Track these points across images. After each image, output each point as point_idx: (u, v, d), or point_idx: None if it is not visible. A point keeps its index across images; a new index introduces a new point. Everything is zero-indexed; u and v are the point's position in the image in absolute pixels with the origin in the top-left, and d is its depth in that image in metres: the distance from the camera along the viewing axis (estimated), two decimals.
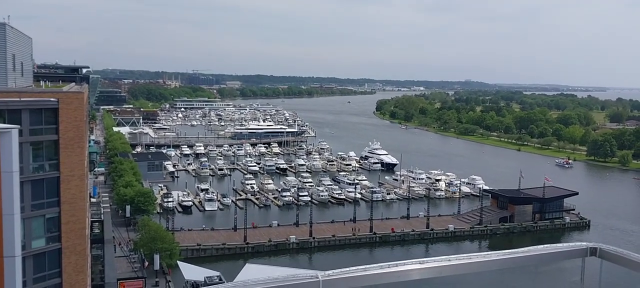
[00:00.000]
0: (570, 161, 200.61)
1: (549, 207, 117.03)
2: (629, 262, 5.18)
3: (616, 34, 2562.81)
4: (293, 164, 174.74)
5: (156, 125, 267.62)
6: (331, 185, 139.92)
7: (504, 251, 5.82)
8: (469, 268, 5.09)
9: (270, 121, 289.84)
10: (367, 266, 4.68)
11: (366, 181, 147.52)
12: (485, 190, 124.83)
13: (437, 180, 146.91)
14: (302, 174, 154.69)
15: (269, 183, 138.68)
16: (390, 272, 4.67)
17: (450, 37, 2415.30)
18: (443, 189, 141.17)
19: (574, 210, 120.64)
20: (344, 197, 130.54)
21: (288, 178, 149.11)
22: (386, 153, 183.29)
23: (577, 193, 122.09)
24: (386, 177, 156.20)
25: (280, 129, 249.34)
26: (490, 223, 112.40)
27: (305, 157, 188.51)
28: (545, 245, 5.59)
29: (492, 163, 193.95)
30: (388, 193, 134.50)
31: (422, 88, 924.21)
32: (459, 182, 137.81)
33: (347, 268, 4.73)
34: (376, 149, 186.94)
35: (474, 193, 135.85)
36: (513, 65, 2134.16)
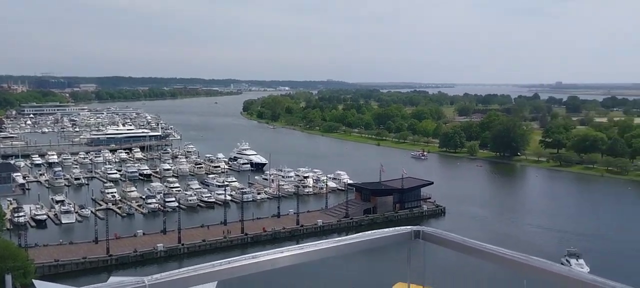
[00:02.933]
0: (425, 153, 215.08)
1: (408, 196, 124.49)
2: (446, 241, 5.85)
3: (464, 33, 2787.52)
4: (158, 169, 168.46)
5: (1, 133, 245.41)
6: (200, 188, 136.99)
7: (335, 238, 6.21)
8: (299, 258, 5.32)
9: (130, 125, 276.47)
10: (197, 266, 4.68)
11: (236, 182, 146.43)
12: (349, 184, 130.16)
13: (305, 177, 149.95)
14: (168, 179, 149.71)
15: (132, 191, 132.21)
16: (221, 269, 4.72)
17: (314, 38, 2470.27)
18: (311, 186, 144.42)
19: (430, 198, 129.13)
20: (214, 199, 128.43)
21: (153, 184, 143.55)
22: (255, 153, 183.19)
23: (432, 183, 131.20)
24: (256, 177, 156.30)
25: (142, 132, 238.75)
26: (356, 215, 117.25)
27: (171, 161, 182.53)
28: (374, 231, 6.07)
29: (355, 158, 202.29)
30: (258, 193, 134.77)
31: (287, 88, 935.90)
32: (325, 177, 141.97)
33: (176, 271, 4.72)
34: (245, 150, 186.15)
35: (340, 188, 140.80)
36: (371, 64, 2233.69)
